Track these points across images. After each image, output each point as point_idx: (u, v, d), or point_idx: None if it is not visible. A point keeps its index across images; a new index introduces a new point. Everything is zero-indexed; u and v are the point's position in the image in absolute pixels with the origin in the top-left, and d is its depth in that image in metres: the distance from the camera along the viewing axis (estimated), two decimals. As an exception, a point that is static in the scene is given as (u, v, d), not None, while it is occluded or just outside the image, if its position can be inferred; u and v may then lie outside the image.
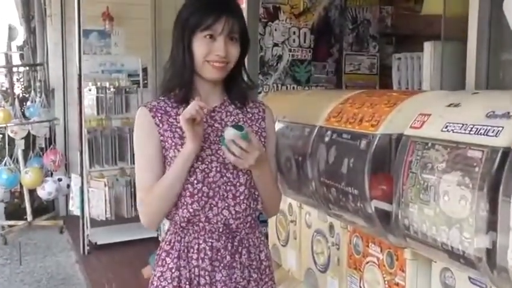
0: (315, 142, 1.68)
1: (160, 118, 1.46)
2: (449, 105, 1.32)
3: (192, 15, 1.43)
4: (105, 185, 4.53)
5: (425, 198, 1.27)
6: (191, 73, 1.45)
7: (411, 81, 2.22)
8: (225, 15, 1.40)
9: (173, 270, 1.47)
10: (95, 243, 4.50)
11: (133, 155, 4.26)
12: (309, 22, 3.58)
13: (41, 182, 4.84)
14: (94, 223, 4.57)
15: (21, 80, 5.31)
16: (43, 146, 5.07)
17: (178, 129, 1.45)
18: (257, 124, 1.52)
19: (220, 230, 1.45)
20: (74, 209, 4.64)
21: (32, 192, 5.09)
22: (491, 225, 1.11)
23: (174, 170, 1.42)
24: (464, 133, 1.20)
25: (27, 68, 5.62)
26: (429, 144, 1.28)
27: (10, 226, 5.06)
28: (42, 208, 5.36)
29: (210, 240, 1.45)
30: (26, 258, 4.47)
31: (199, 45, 1.41)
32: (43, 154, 5.08)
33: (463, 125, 1.21)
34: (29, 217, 5.06)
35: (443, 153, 1.24)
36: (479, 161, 1.14)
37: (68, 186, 4.94)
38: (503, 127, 1.12)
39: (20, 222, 5.07)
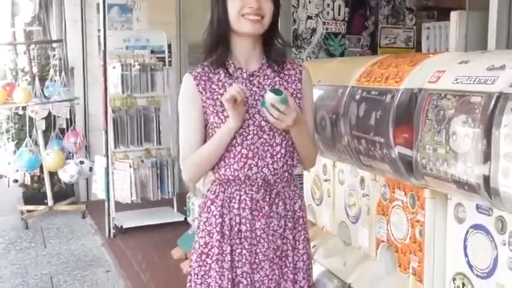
0: (347, 100, 2.22)
1: (203, 86, 1.91)
2: (461, 62, 1.85)
3: None
4: (130, 166, 5.13)
5: (438, 139, 1.80)
6: (227, 29, 1.86)
7: (439, 49, 2.73)
8: None
9: (217, 217, 1.93)
10: (121, 226, 5.09)
11: (159, 134, 4.93)
12: (344, -6, 4.11)
13: (63, 165, 5.47)
14: (118, 207, 5.17)
15: (39, 58, 5.93)
16: (64, 126, 5.69)
17: (219, 96, 1.88)
18: (293, 86, 1.95)
19: (260, 183, 1.91)
20: (99, 191, 5.24)
21: (52, 176, 5.73)
22: (488, 156, 1.64)
23: (214, 142, 1.88)
24: (469, 83, 1.73)
25: (44, 45, 6.25)
26: (443, 95, 1.81)
27: (29, 211, 5.69)
28: (62, 193, 6.01)
29: (250, 192, 1.91)
30: (51, 242, 5.10)
31: (233, 2, 1.83)
32: (63, 136, 5.71)
33: (469, 77, 1.74)
34: (50, 202, 5.69)
35: (453, 101, 1.77)
36: (479, 104, 1.67)
37: (91, 169, 5.56)
38: (498, 77, 1.65)
39: (40, 207, 5.71)
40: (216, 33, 1.90)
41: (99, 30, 5.33)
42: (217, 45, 1.91)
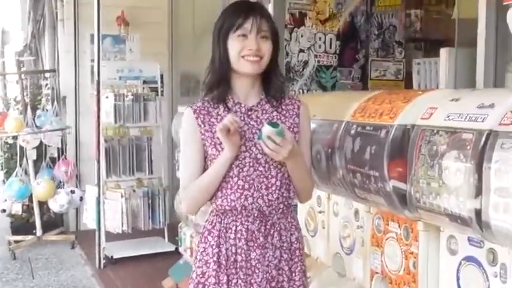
0: (342, 135, 2.30)
1: (202, 119, 2.01)
2: (452, 100, 1.94)
3: (225, 20, 1.99)
4: (122, 196, 5.16)
5: (432, 174, 1.88)
6: (227, 69, 1.97)
7: (429, 84, 2.84)
8: (252, 15, 1.94)
9: (214, 247, 2.00)
10: (111, 256, 5.10)
11: (151, 164, 4.99)
12: (334, 28, 4.24)
13: (54, 194, 5.49)
14: (109, 237, 5.18)
15: (31, 87, 5.99)
16: (55, 156, 5.72)
17: None
18: (290, 120, 2.03)
19: (255, 214, 1.98)
20: (89, 221, 5.26)
21: (42, 205, 5.74)
22: (479, 190, 1.72)
23: (211, 172, 1.97)
24: (460, 120, 1.81)
25: (37, 74, 6.32)
26: (435, 131, 1.90)
27: (16, 242, 5.67)
28: (51, 222, 6.00)
29: (246, 223, 1.98)
30: (39, 273, 5.07)
31: (233, 44, 1.95)
32: (54, 165, 5.74)
33: (460, 114, 1.83)
34: (39, 232, 5.68)
35: (445, 137, 1.85)
36: (470, 141, 1.75)
37: (81, 198, 5.59)
38: (488, 115, 1.74)
39: (29, 237, 5.69)
40: (217, 73, 2.00)
41: (92, 60, 5.41)
42: (218, 84, 2.01)
